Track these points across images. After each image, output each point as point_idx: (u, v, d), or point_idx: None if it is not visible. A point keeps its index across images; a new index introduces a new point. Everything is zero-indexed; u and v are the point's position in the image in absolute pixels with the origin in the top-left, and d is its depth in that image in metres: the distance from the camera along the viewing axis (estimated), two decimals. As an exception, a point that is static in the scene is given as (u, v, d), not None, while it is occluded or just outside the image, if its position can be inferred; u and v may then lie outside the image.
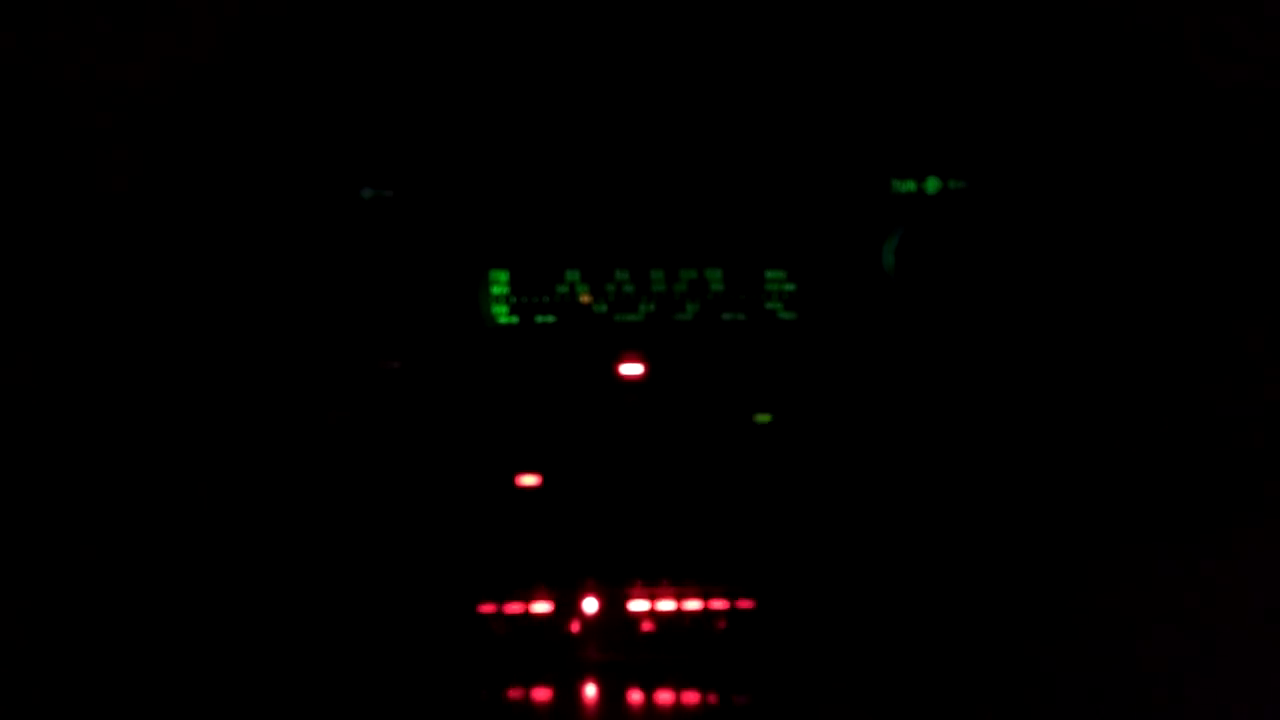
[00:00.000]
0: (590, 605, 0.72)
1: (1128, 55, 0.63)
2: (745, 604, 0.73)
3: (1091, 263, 0.72)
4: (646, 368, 0.73)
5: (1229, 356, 0.69)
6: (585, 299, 0.73)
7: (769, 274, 0.73)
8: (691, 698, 0.67)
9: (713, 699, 0.67)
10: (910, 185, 0.73)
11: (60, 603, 0.63)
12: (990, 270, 0.73)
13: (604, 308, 0.73)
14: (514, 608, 0.72)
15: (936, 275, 0.72)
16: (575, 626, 0.72)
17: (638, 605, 0.72)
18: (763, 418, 0.73)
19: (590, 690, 0.69)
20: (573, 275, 0.73)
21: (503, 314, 0.73)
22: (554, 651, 0.72)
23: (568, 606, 0.72)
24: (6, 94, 0.56)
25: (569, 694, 0.69)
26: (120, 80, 0.61)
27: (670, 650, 0.72)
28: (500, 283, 0.73)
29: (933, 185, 0.73)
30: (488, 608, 0.72)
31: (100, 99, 0.61)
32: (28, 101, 0.57)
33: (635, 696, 0.68)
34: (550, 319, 0.73)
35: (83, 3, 0.56)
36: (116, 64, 0.60)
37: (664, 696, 0.68)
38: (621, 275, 0.73)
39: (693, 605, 0.72)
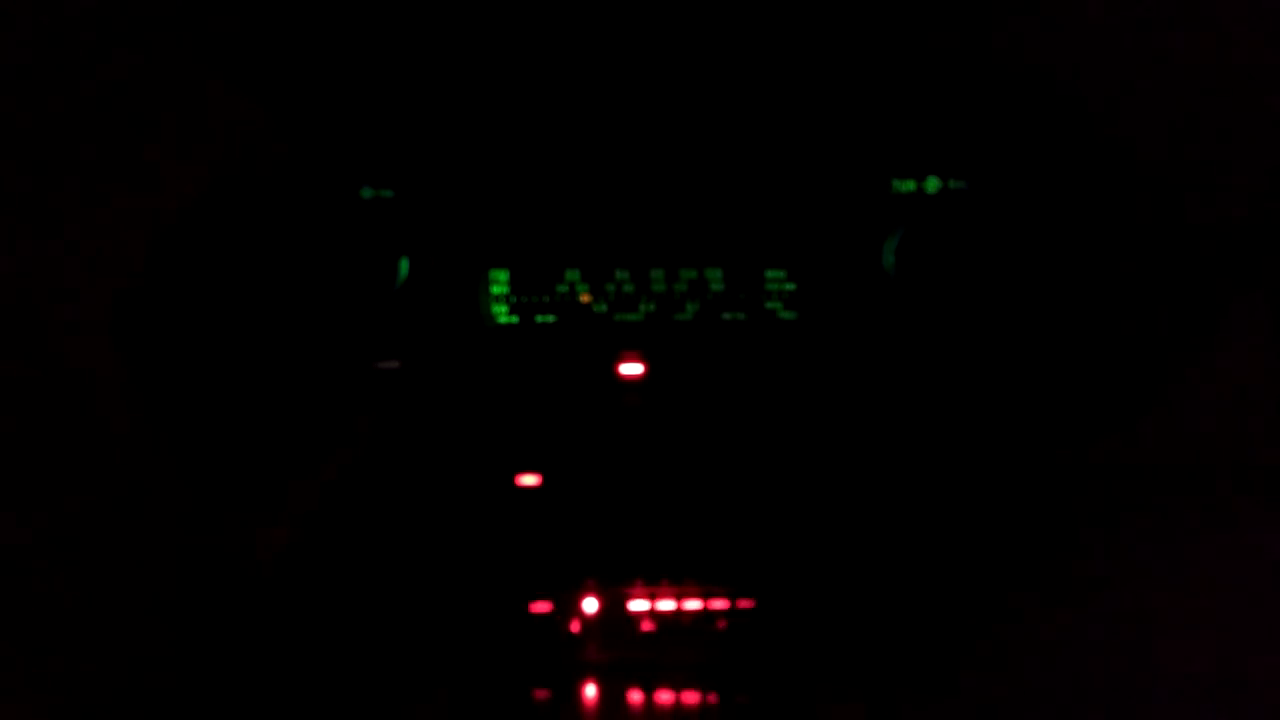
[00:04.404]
0: (590, 605, 0.72)
1: (1127, 56, 0.63)
2: (746, 604, 0.73)
3: (1091, 262, 0.72)
4: (646, 368, 0.73)
5: (1229, 355, 0.69)
6: (585, 299, 0.73)
7: (769, 274, 0.73)
8: (691, 698, 0.67)
9: (713, 699, 0.67)
10: (910, 185, 0.73)
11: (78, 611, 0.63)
12: (990, 270, 0.73)
13: (604, 307, 0.73)
14: (513, 607, 0.72)
15: (936, 275, 0.72)
16: (575, 626, 0.72)
17: (638, 605, 0.72)
18: None
19: (590, 690, 0.69)
20: (573, 275, 0.73)
21: (503, 314, 0.73)
22: (554, 651, 0.72)
23: (568, 606, 0.72)
24: None
25: (569, 694, 0.69)
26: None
27: (670, 650, 0.72)
28: (500, 282, 0.73)
29: (933, 185, 0.73)
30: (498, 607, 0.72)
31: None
32: None
33: (635, 696, 0.68)
34: (550, 319, 0.73)
35: None
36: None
37: (664, 696, 0.68)
38: (621, 275, 0.73)
39: (693, 605, 0.72)
